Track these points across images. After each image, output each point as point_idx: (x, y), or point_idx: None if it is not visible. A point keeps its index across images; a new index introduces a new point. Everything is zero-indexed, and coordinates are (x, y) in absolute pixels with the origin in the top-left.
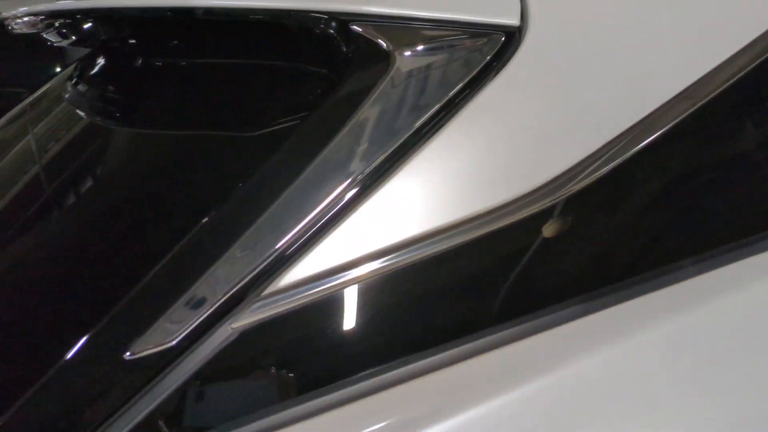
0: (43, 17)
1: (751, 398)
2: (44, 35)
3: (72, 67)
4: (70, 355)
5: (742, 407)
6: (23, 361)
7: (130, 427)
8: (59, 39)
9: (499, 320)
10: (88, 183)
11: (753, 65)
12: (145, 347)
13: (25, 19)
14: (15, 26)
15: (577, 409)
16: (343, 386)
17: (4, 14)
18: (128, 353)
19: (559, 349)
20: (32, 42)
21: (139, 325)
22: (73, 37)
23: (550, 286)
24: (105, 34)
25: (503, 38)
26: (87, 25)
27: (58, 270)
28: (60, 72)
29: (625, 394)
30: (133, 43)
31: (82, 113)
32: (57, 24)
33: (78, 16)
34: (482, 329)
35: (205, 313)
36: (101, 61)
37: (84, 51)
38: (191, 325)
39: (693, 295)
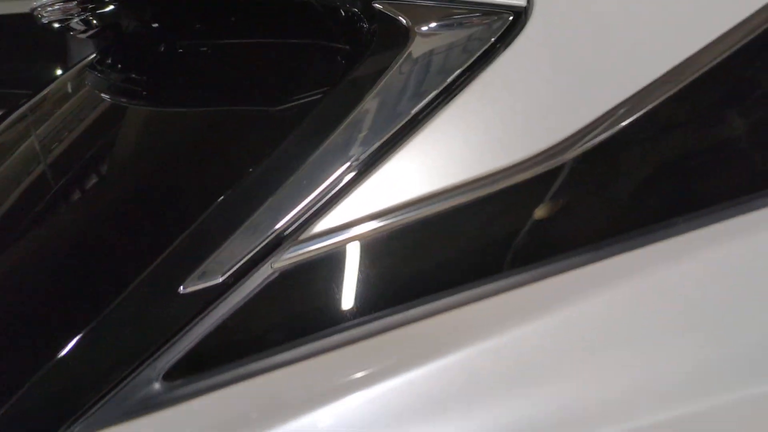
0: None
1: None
2: (71, 24)
3: (93, 58)
4: (137, 288)
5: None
6: (97, 295)
7: (182, 353)
8: (84, 28)
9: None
10: (144, 142)
11: (738, 46)
12: (197, 283)
13: (58, 6)
14: (46, 14)
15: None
16: (365, 323)
17: (36, 3)
18: (182, 288)
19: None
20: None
21: (192, 264)
22: (97, 25)
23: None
24: (131, 18)
25: (511, 17)
26: (113, 10)
27: (124, 216)
28: (63, 73)
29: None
30: (157, 27)
31: (120, 97)
32: (87, 9)
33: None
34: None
35: (248, 254)
36: (127, 47)
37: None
38: (236, 264)
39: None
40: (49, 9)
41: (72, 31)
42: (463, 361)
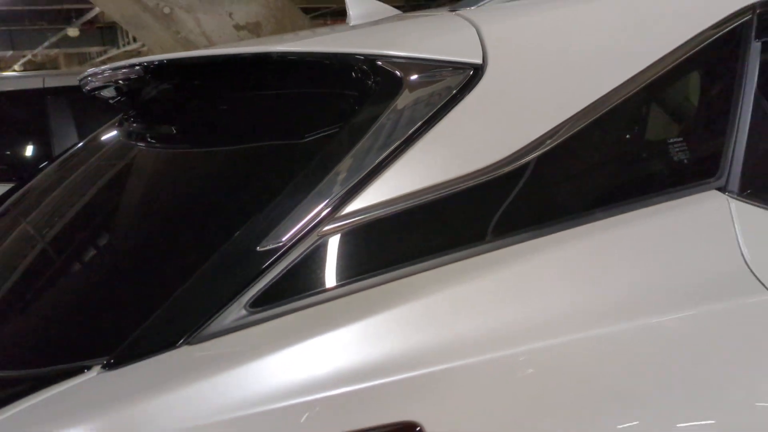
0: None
1: None
2: (103, 93)
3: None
4: (232, 248)
5: None
6: (209, 251)
7: (258, 294)
8: (114, 95)
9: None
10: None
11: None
12: (269, 243)
13: (106, 74)
14: (92, 82)
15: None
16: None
17: (89, 71)
18: (259, 247)
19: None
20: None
21: (268, 229)
22: (126, 92)
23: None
24: (153, 87)
25: (471, 71)
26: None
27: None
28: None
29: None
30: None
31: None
32: (120, 80)
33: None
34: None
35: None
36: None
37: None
38: (295, 229)
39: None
40: (98, 76)
41: (105, 98)
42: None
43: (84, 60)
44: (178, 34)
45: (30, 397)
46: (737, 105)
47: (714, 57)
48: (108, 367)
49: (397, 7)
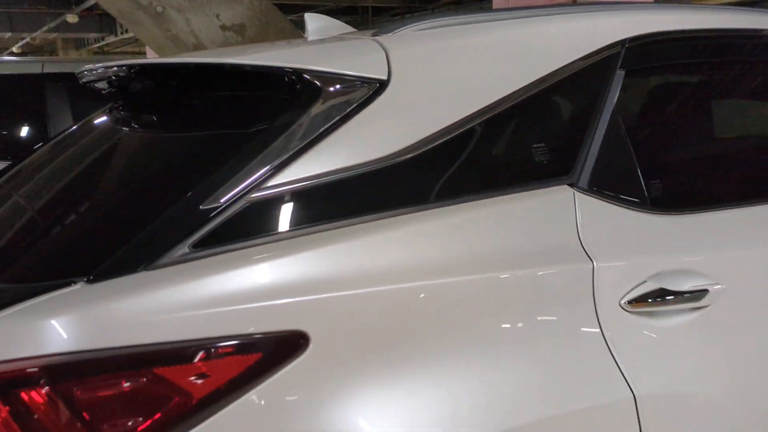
0: (114, 69)
1: None
2: (97, 84)
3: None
4: (181, 204)
5: None
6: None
7: (198, 239)
8: (107, 87)
9: None
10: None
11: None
12: (209, 203)
13: (99, 71)
14: (87, 76)
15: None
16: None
17: (86, 66)
18: (202, 206)
19: None
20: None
21: (209, 194)
22: (116, 87)
23: None
24: (137, 84)
25: (378, 84)
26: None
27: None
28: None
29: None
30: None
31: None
32: (111, 77)
33: (128, 70)
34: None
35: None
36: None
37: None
38: (228, 195)
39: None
40: (93, 72)
41: (98, 89)
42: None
43: (81, 45)
44: (169, 31)
45: (36, 297)
46: (595, 121)
47: (583, 79)
48: (89, 282)
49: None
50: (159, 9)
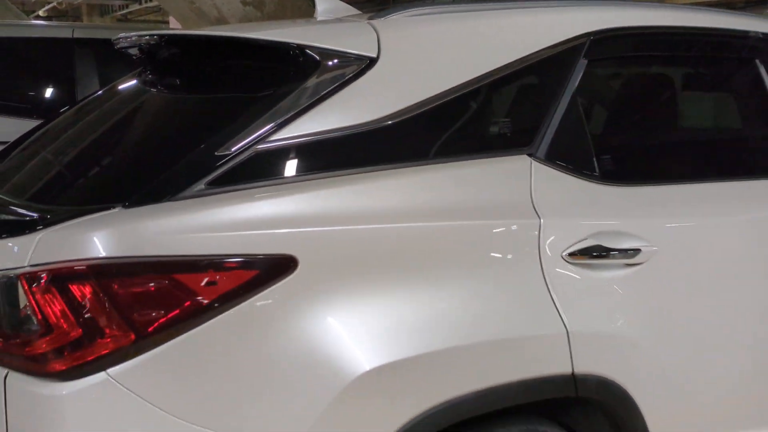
0: (146, 38)
1: None
2: (129, 51)
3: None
4: (199, 150)
5: None
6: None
7: (212, 178)
8: (138, 54)
9: None
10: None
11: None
12: (223, 151)
13: (132, 39)
14: (121, 42)
15: None
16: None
17: (120, 34)
18: (217, 152)
19: None
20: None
21: (222, 144)
22: (145, 53)
23: None
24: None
25: (368, 61)
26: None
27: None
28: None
29: None
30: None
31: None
32: (142, 44)
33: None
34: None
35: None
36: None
37: None
38: (238, 145)
39: None
40: (127, 40)
41: (130, 56)
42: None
43: (105, 12)
44: (193, 3)
45: (86, 216)
46: (556, 102)
47: (549, 66)
48: (125, 207)
49: None
50: None
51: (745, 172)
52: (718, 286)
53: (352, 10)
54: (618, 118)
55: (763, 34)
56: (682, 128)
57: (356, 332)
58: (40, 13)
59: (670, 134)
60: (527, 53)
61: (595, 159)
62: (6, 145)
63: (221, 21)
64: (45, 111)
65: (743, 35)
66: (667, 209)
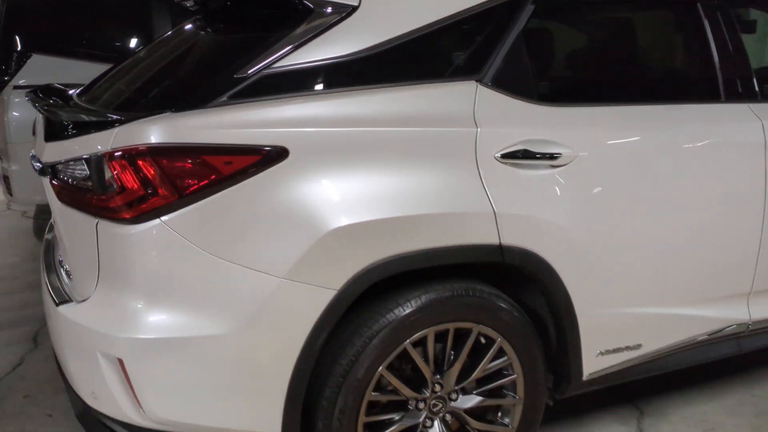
0: None
1: None
2: (187, 4)
3: (195, 18)
4: (221, 73)
5: None
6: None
7: (233, 93)
8: (193, 5)
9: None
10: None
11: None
12: (239, 73)
13: None
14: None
15: None
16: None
17: None
18: (235, 75)
19: None
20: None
21: (239, 68)
22: (196, 5)
23: None
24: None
25: (351, 8)
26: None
27: None
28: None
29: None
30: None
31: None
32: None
33: None
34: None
35: (257, 67)
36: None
37: None
38: (252, 69)
39: None
40: None
41: (189, 6)
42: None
43: None
44: None
45: (149, 117)
46: (504, 38)
47: (501, 9)
48: (173, 112)
49: None
50: None
51: (660, 98)
52: (630, 186)
53: None
54: (554, 52)
55: None
56: (608, 60)
57: (331, 201)
58: None
59: (598, 65)
60: (482, 1)
61: (532, 84)
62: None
63: None
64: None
65: None
66: (588, 124)
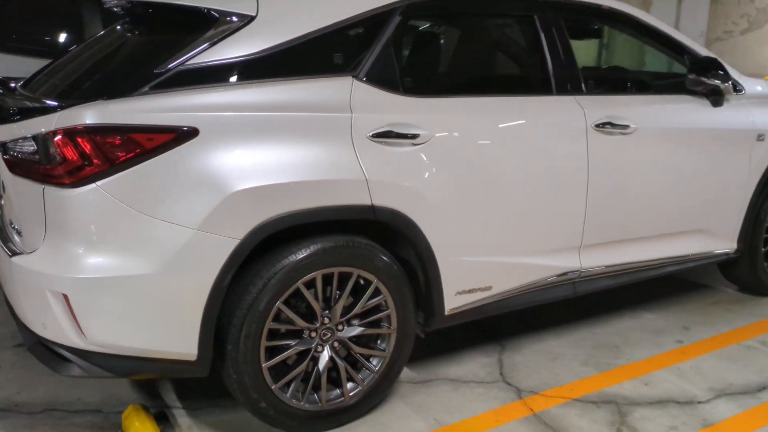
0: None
1: None
2: (115, 8)
3: (120, 21)
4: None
5: None
6: None
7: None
8: (120, 10)
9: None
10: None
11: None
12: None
13: (124, 3)
14: (109, 3)
15: None
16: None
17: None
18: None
19: None
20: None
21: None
22: (122, 10)
23: None
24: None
25: (250, 17)
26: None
27: None
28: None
29: None
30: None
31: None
32: (120, 5)
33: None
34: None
35: (177, 61)
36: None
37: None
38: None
39: None
40: (108, 2)
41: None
42: None
43: None
44: None
45: (86, 103)
46: (377, 41)
47: (374, 19)
48: (105, 99)
49: None
50: None
51: (504, 91)
52: (477, 160)
53: None
54: (416, 53)
55: None
56: (461, 61)
57: (233, 169)
58: None
59: (452, 64)
60: (361, 11)
61: (397, 79)
62: (35, 72)
63: None
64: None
65: None
66: (443, 111)
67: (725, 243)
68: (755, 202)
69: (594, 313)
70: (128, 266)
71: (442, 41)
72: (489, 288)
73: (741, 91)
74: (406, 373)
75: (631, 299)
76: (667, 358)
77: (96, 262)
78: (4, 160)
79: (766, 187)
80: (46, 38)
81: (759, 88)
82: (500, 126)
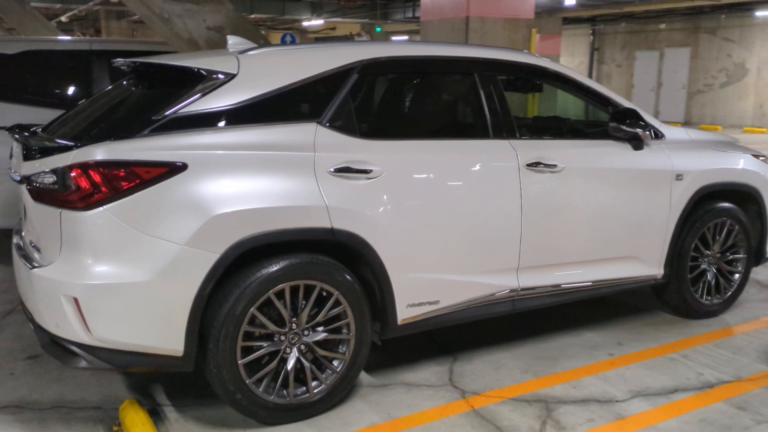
0: (128, 62)
1: None
2: (122, 67)
3: (127, 77)
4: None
5: None
6: None
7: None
8: (126, 68)
9: None
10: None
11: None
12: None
13: (120, 62)
14: (117, 63)
15: None
16: None
17: (115, 61)
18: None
19: None
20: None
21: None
22: (127, 68)
23: None
24: (136, 69)
25: (232, 75)
26: (131, 66)
27: None
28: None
29: None
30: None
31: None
32: (125, 65)
33: (132, 64)
34: None
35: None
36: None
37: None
38: (168, 113)
39: None
40: (126, 63)
41: (121, 70)
42: None
43: (122, 16)
44: (172, 30)
45: (96, 143)
46: (338, 94)
47: (336, 76)
48: (112, 141)
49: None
50: (165, 15)
51: (446, 136)
52: (423, 193)
53: (249, 44)
54: (371, 104)
55: (473, 57)
56: (410, 110)
57: (215, 197)
58: (63, 18)
59: (402, 113)
60: (324, 70)
61: (355, 125)
62: (52, 119)
63: (191, 40)
64: (71, 102)
65: (459, 58)
66: (393, 152)
67: (652, 269)
68: (679, 233)
69: (540, 331)
70: (127, 274)
71: (394, 93)
72: (437, 302)
73: (661, 137)
74: (367, 378)
75: (576, 319)
76: (598, 367)
77: (102, 271)
78: (28, 190)
79: (688, 219)
80: (56, 91)
81: (678, 134)
82: (443, 164)
